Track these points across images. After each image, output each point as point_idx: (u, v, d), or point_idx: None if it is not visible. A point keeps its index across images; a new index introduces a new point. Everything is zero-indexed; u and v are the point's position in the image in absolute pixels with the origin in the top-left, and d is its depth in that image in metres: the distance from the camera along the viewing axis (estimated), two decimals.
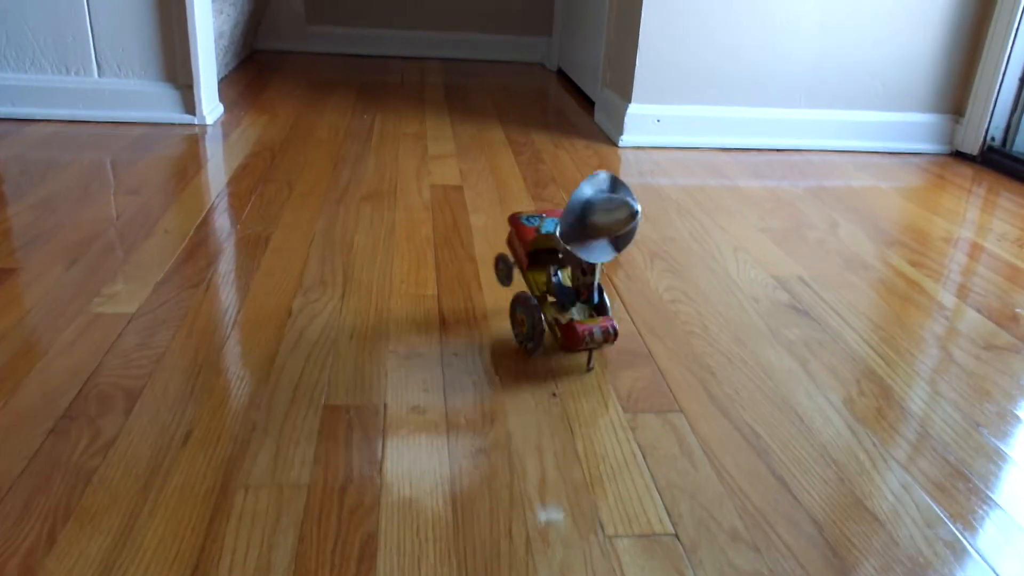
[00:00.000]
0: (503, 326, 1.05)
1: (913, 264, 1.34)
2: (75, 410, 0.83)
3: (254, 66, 2.69)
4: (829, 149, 2.04)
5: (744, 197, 1.63)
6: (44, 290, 1.07)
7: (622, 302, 1.14)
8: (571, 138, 2.01)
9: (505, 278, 1.08)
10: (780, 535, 0.71)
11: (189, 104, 1.89)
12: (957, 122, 2.05)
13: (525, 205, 1.51)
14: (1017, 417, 0.92)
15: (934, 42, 1.97)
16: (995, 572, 0.69)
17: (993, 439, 0.87)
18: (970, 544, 0.72)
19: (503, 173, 1.69)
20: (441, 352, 0.98)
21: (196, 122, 1.90)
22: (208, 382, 0.89)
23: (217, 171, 1.60)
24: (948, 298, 1.22)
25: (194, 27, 1.82)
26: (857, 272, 1.29)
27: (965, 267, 1.35)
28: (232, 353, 0.95)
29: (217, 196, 1.46)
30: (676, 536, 0.70)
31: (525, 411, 0.87)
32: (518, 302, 0.98)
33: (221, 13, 2.20)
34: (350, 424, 0.83)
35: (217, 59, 2.20)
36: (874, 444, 0.85)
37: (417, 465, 0.77)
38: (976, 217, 1.61)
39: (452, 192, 1.55)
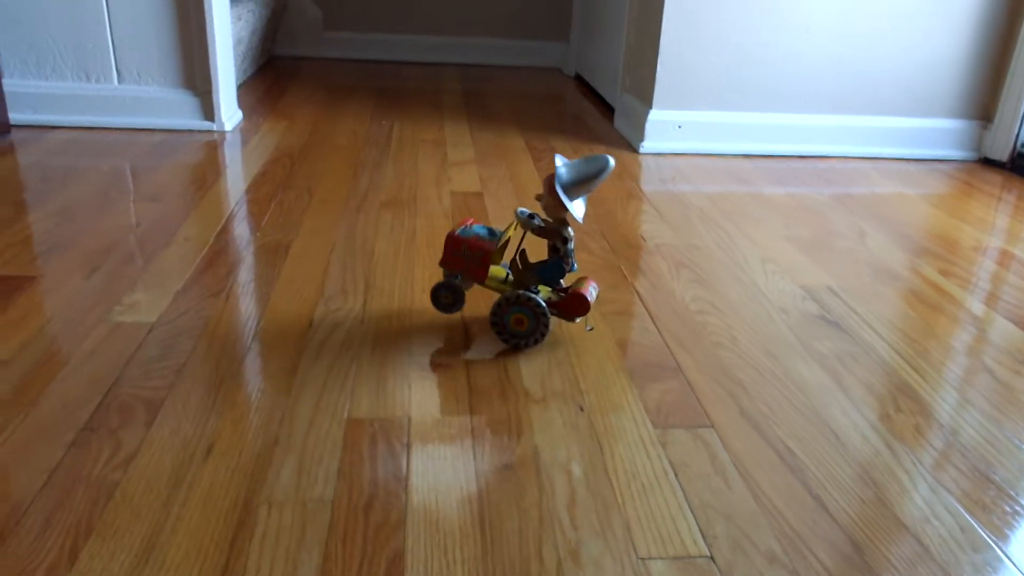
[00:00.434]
0: None
1: (943, 273, 1.31)
2: (96, 422, 0.81)
3: (272, 72, 2.69)
4: (853, 155, 2.00)
5: (768, 204, 1.61)
6: (64, 298, 1.06)
7: (647, 312, 1.12)
8: (591, 144, 1.99)
9: (451, 305, 1.01)
10: (819, 558, 0.69)
11: (208, 111, 1.88)
12: (985, 128, 2.02)
13: None
14: None
15: (961, 46, 1.93)
16: None
17: None
18: (1019, 570, 0.69)
19: (523, 180, 1.68)
20: (465, 362, 0.96)
21: (215, 129, 1.90)
22: (230, 394, 0.87)
23: (236, 178, 1.59)
24: (980, 308, 1.19)
25: (213, 34, 1.82)
26: (886, 282, 1.27)
27: (996, 276, 1.32)
28: (253, 364, 0.94)
29: (236, 203, 1.45)
30: (711, 558, 0.68)
31: (552, 425, 0.85)
32: (511, 304, 0.97)
33: (239, 19, 2.20)
34: (374, 437, 0.81)
35: (235, 65, 2.19)
36: (913, 463, 0.82)
37: (443, 481, 0.76)
38: (1006, 225, 1.57)
39: (472, 199, 1.54)
